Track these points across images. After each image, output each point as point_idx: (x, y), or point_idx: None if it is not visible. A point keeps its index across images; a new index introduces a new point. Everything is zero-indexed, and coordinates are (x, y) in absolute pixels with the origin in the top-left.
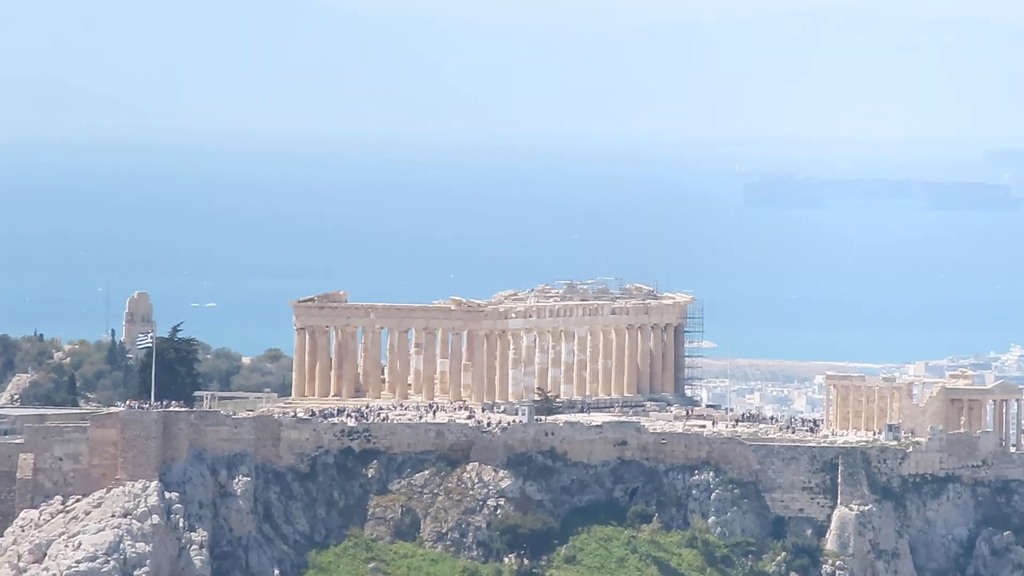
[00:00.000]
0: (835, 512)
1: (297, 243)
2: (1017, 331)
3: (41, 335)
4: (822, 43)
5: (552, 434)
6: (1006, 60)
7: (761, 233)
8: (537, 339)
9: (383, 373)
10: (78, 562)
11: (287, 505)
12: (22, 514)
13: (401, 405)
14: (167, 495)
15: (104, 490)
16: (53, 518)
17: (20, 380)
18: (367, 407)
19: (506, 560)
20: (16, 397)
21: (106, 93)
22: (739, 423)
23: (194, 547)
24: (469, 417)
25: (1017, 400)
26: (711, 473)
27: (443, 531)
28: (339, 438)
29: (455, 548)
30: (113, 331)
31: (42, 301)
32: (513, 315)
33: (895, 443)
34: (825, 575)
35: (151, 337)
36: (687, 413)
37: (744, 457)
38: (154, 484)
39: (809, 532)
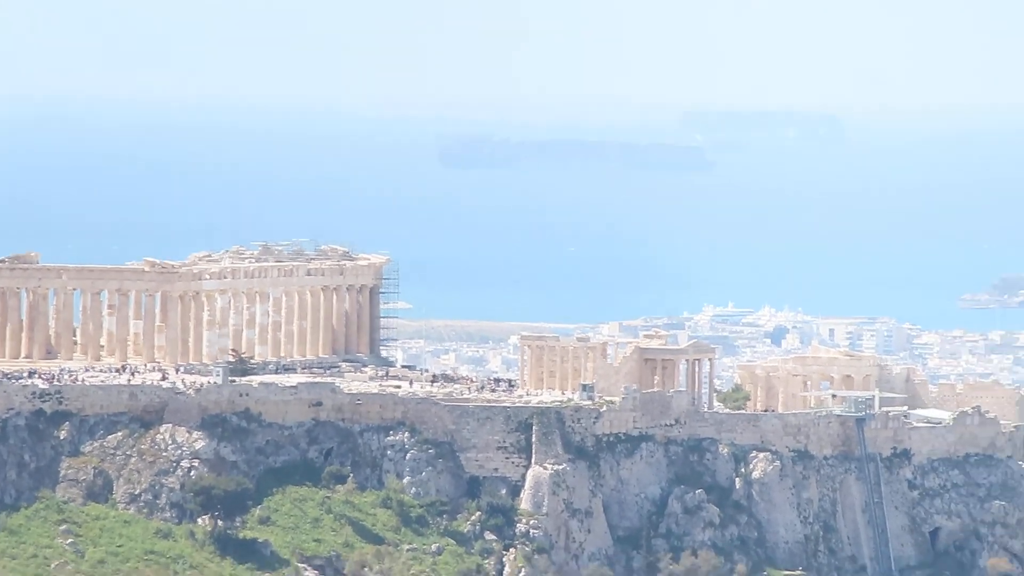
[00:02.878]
0: (529, 471)
1: None
2: (709, 291)
3: None
4: (519, 2)
5: (247, 395)
6: (701, 23)
7: (456, 194)
8: (232, 300)
9: (75, 335)
10: None
11: None
12: None
13: (94, 367)
14: None
15: None
16: None
17: None
18: (59, 369)
19: (200, 521)
20: None
21: None
22: (434, 383)
23: None
24: (163, 379)
25: (710, 360)
26: (406, 433)
27: (136, 493)
28: (30, 400)
29: (148, 510)
30: None
31: None
32: (207, 276)
33: (589, 403)
34: (519, 534)
35: None
36: (383, 374)
37: (439, 417)
38: None
39: (504, 492)
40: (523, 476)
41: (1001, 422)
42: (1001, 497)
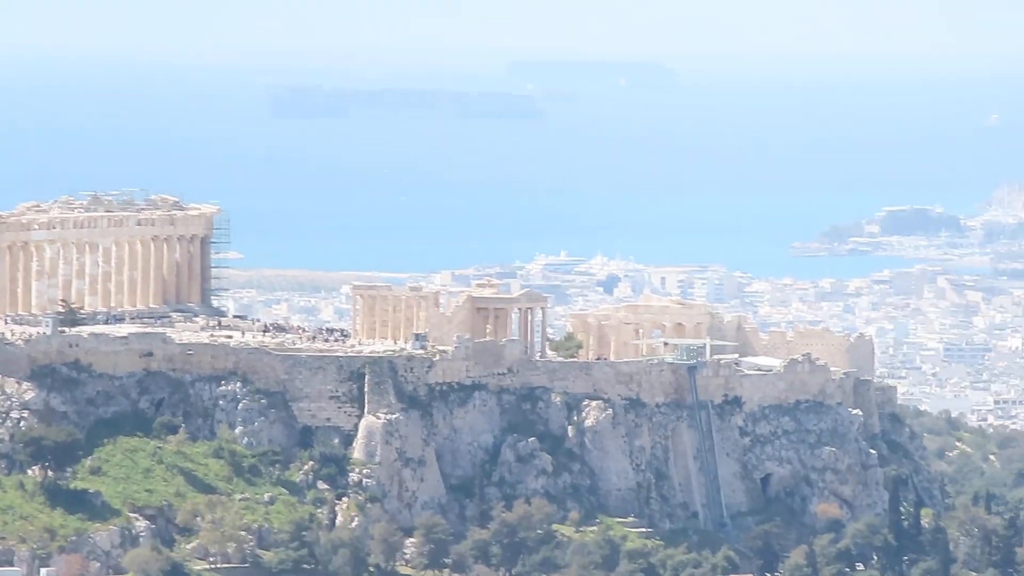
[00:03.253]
0: (362, 421)
1: None
2: (541, 241)
3: None
4: None
5: (77, 346)
6: None
7: (288, 144)
8: (61, 251)
9: None
10: None
11: None
12: None
13: None
14: None
15: None
16: None
17: None
18: None
19: (30, 472)
20: None
21: None
22: (266, 333)
23: None
24: None
25: (542, 308)
26: (238, 384)
27: None
28: None
29: None
30: None
31: None
32: (36, 226)
33: (422, 352)
34: (352, 484)
35: None
36: (214, 324)
37: (271, 367)
38: None
39: (336, 441)
40: (356, 426)
41: (831, 369)
42: (831, 443)
